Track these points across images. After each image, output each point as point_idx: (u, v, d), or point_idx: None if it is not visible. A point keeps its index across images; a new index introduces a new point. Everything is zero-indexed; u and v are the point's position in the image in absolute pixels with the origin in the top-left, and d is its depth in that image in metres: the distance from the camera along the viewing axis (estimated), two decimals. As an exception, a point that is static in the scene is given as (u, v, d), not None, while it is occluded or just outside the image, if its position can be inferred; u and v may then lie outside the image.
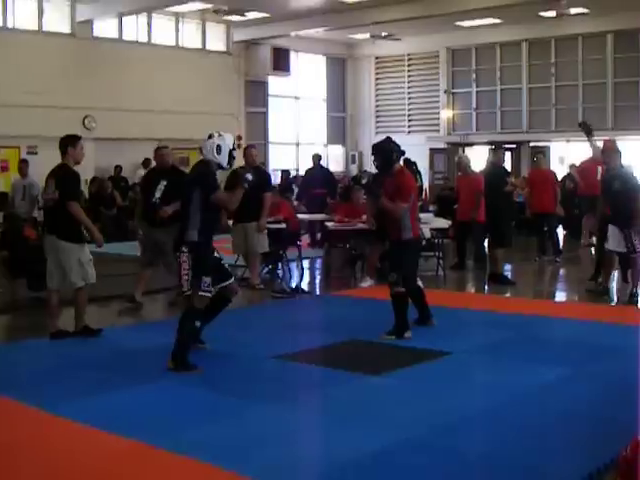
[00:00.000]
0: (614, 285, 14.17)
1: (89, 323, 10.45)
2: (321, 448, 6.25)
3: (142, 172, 21.09)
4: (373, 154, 10.35)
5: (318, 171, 20.96)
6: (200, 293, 8.61)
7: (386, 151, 10.14)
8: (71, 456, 6.21)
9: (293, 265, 15.97)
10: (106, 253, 13.52)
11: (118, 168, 24.99)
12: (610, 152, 13.37)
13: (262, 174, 14.47)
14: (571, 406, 7.27)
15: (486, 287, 15.05)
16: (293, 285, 14.42)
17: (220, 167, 8.99)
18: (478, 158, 26.03)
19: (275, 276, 15.16)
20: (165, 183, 12.18)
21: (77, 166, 10.44)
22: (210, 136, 9.01)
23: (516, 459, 6.04)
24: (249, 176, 9.36)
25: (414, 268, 10.43)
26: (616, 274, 14.34)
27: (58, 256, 10.16)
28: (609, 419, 6.78)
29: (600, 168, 15.15)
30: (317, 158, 21.27)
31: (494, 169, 15.77)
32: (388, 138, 10.45)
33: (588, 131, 14.85)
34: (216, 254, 9.15)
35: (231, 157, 9.02)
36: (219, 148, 8.88)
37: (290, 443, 6.40)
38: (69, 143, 10.39)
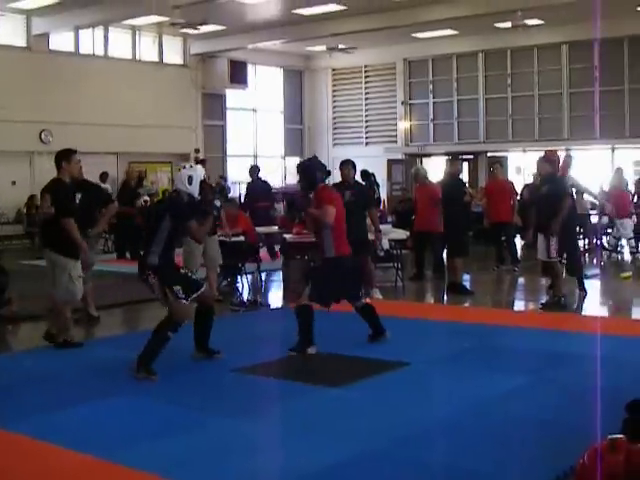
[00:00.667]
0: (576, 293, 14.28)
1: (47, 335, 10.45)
2: (281, 461, 6.23)
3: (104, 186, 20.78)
4: (298, 173, 10.32)
5: (258, 184, 20.75)
6: (181, 301, 8.82)
7: (311, 171, 10.04)
8: (29, 473, 6.14)
9: (251, 277, 15.97)
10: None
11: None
12: (541, 160, 13.54)
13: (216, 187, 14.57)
14: (531, 414, 7.29)
15: (445, 297, 15.10)
16: (251, 297, 14.36)
17: (191, 197, 9.14)
18: (436, 169, 26.17)
19: (234, 289, 15.13)
20: (80, 197, 11.98)
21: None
22: (184, 167, 9.41)
23: (477, 468, 6.04)
24: (217, 202, 9.71)
25: (328, 287, 9.96)
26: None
27: (53, 269, 10.26)
28: (569, 426, 6.80)
29: None
30: (255, 170, 21.06)
31: (451, 180, 15.83)
32: (314, 157, 10.46)
33: None
34: (182, 270, 9.44)
35: (202, 188, 9.43)
36: (190, 179, 9.16)
37: (249, 456, 6.36)
38: (63, 158, 10.36)
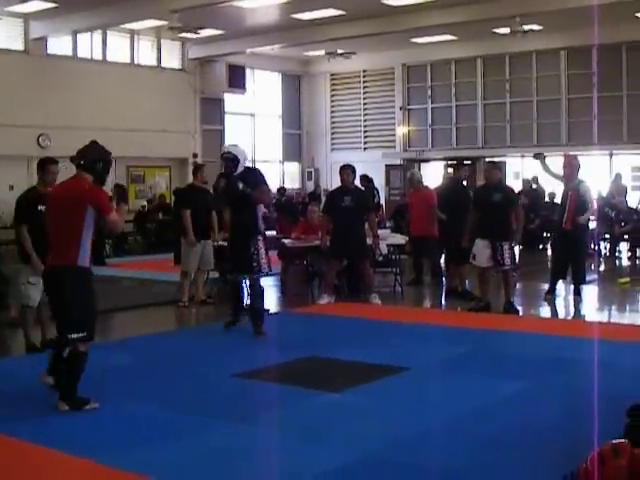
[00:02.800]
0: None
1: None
2: (280, 466, 6.20)
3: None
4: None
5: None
6: None
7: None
8: (27, 478, 6.12)
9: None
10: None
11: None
12: (490, 167, 13.63)
13: (206, 192, 14.56)
14: (530, 419, 7.28)
15: (443, 302, 15.09)
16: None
17: None
18: (434, 174, 26.20)
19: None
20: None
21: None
22: None
23: (476, 473, 6.03)
24: None
25: None
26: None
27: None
28: (568, 431, 6.79)
29: None
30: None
31: (454, 185, 15.81)
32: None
33: (542, 161, 14.91)
34: None
35: None
36: None
37: (248, 461, 6.35)
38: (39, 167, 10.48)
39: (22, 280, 10.28)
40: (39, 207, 9.94)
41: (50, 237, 8.03)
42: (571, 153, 17.30)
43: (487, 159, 29.33)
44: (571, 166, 14.25)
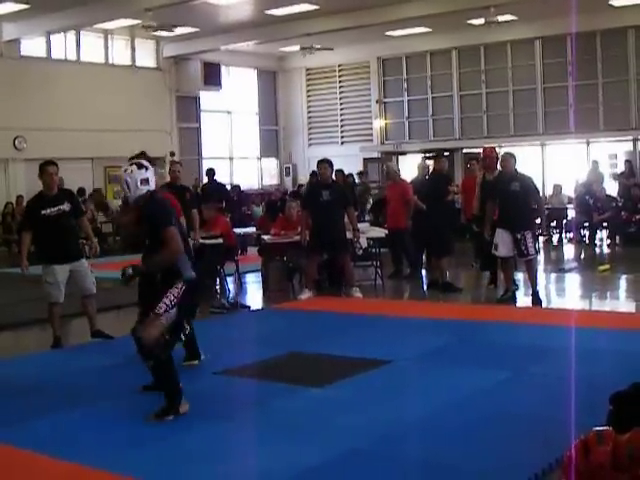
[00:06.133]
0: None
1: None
2: (262, 463, 6.18)
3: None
4: None
5: (213, 186, 20.66)
6: None
7: None
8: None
9: (231, 280, 15.91)
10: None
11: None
12: (506, 156, 13.51)
13: (183, 190, 14.50)
14: (514, 409, 7.29)
15: (425, 294, 15.09)
16: (232, 300, 14.31)
17: None
18: (412, 166, 26.18)
19: (213, 291, 15.08)
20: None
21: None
22: None
23: (460, 464, 6.03)
24: None
25: None
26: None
27: None
28: (550, 420, 6.78)
29: None
30: (211, 173, 21.04)
31: (435, 177, 15.78)
32: None
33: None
34: None
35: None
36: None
37: (233, 459, 6.33)
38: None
39: (43, 279, 10.73)
40: (42, 212, 10.52)
41: None
42: (489, 145, 17.61)
43: (465, 150, 29.57)
44: (490, 157, 14.38)
